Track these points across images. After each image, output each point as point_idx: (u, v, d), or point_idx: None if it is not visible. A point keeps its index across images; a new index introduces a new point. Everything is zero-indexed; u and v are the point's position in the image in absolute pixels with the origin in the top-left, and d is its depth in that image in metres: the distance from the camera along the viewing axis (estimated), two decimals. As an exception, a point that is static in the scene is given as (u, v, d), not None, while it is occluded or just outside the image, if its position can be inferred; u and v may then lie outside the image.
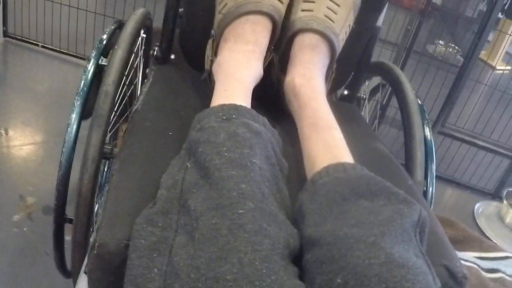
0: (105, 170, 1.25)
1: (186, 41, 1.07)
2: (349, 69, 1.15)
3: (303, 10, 0.88)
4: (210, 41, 0.89)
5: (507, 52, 4.05)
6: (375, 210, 0.60)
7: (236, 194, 0.56)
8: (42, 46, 2.38)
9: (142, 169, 0.70)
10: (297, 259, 0.59)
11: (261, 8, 0.83)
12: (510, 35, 3.13)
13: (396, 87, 1.09)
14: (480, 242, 1.83)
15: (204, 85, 0.91)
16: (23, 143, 1.76)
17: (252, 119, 0.70)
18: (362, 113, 1.23)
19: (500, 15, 3.04)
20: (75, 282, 0.85)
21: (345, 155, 0.73)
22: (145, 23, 1.04)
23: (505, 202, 2.14)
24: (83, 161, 0.78)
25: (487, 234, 2.01)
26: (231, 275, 0.49)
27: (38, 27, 2.32)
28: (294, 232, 0.60)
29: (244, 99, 0.76)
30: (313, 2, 0.88)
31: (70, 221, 0.90)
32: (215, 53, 0.88)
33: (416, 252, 0.56)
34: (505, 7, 2.81)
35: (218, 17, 0.87)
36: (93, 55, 0.96)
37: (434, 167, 1.00)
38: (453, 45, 3.81)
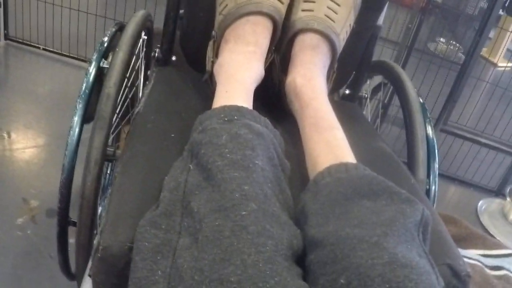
0: (108, 172, 1.25)
1: (187, 42, 1.07)
2: (350, 68, 1.15)
3: (303, 10, 0.88)
4: (211, 43, 0.89)
5: (508, 49, 4.04)
6: (378, 210, 0.60)
7: (238, 196, 0.56)
8: (43, 49, 2.38)
9: (144, 171, 0.70)
10: (300, 259, 0.59)
11: (262, 9, 0.83)
12: (511, 32, 3.12)
13: (397, 86, 1.09)
14: (483, 239, 1.83)
15: (206, 86, 0.91)
16: (26, 146, 1.76)
17: (254, 120, 0.70)
18: (364, 112, 1.23)
19: (501, 12, 3.03)
20: (79, 285, 0.85)
21: (347, 155, 0.73)
22: (146, 25, 1.05)
23: (508, 199, 2.13)
24: (86, 164, 0.78)
25: (490, 232, 2.01)
26: (235, 277, 0.49)
27: (39, 30, 2.33)
28: (297, 232, 0.60)
29: (245, 100, 0.77)
30: (314, 2, 0.88)
31: (74, 223, 0.90)
32: (216, 55, 0.88)
33: (419, 251, 0.56)
34: (506, 4, 2.80)
35: (218, 18, 0.88)
36: (94, 57, 0.96)
37: (436, 165, 0.99)
38: (454, 42, 3.81)
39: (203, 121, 0.70)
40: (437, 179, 0.98)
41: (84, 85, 0.92)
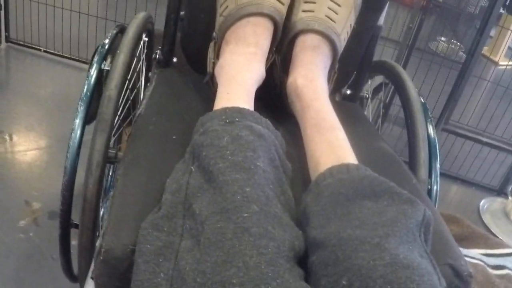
0: (110, 174, 1.25)
1: (187, 44, 1.07)
2: (351, 68, 1.15)
3: (304, 11, 0.88)
4: (211, 44, 0.89)
5: (509, 48, 4.04)
6: (379, 210, 0.60)
7: (240, 198, 0.56)
8: (44, 51, 2.38)
9: (146, 173, 0.70)
10: (302, 261, 0.59)
11: (262, 10, 0.83)
12: (512, 30, 3.13)
13: (398, 86, 1.09)
14: (486, 238, 1.83)
15: (207, 88, 0.91)
16: (27, 148, 1.77)
17: (255, 122, 0.70)
18: (365, 112, 1.23)
19: (501, 11, 3.04)
20: (81, 287, 0.85)
21: (349, 156, 0.73)
22: (147, 27, 1.05)
23: (510, 198, 2.13)
24: (88, 166, 0.78)
25: (492, 231, 2.01)
26: (237, 279, 0.50)
27: (40, 32, 2.33)
28: (299, 234, 0.60)
29: (246, 102, 0.77)
30: (314, 2, 0.88)
31: (76, 226, 0.90)
32: (217, 56, 0.88)
33: (421, 252, 0.56)
34: (507, 3, 2.80)
35: (219, 19, 0.88)
36: (95, 60, 0.96)
37: (438, 165, 0.99)
38: (455, 41, 3.81)
39: (205, 123, 0.70)
40: (438, 178, 0.98)
41: (86, 87, 0.92)
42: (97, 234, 0.83)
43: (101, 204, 0.82)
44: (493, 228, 2.03)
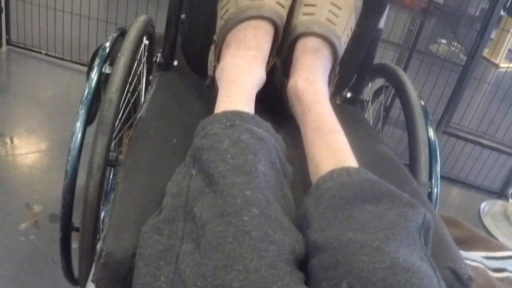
0: (111, 177, 1.25)
1: (188, 47, 1.08)
2: (352, 71, 1.15)
3: (304, 14, 0.88)
4: (212, 47, 0.89)
5: (510, 50, 4.04)
6: (380, 214, 0.60)
7: (241, 201, 0.56)
8: (45, 54, 2.39)
9: (147, 176, 0.70)
10: (302, 264, 0.60)
11: (263, 13, 0.83)
12: (512, 32, 3.13)
13: (399, 89, 1.09)
14: (486, 241, 1.83)
15: (208, 91, 0.92)
16: (28, 151, 1.77)
17: (256, 125, 0.70)
18: (366, 115, 1.23)
19: (502, 13, 3.04)
20: (82, 290, 0.85)
21: (349, 159, 0.73)
22: (148, 30, 1.05)
23: (511, 200, 2.13)
24: (89, 169, 0.79)
25: (493, 234, 2.01)
26: (237, 283, 0.50)
27: (41, 35, 2.33)
28: (300, 237, 0.60)
29: (247, 105, 0.77)
30: (315, 5, 0.88)
31: (77, 229, 0.90)
32: (217, 59, 0.88)
33: (421, 255, 0.57)
34: (507, 5, 2.81)
35: (220, 23, 0.88)
36: (96, 63, 0.97)
37: (438, 168, 0.99)
38: (456, 43, 3.81)
39: (205, 126, 0.70)
40: (439, 181, 0.98)
41: (86, 90, 0.92)
42: (98, 237, 0.83)
43: (102, 207, 0.82)
44: (493, 231, 2.02)
